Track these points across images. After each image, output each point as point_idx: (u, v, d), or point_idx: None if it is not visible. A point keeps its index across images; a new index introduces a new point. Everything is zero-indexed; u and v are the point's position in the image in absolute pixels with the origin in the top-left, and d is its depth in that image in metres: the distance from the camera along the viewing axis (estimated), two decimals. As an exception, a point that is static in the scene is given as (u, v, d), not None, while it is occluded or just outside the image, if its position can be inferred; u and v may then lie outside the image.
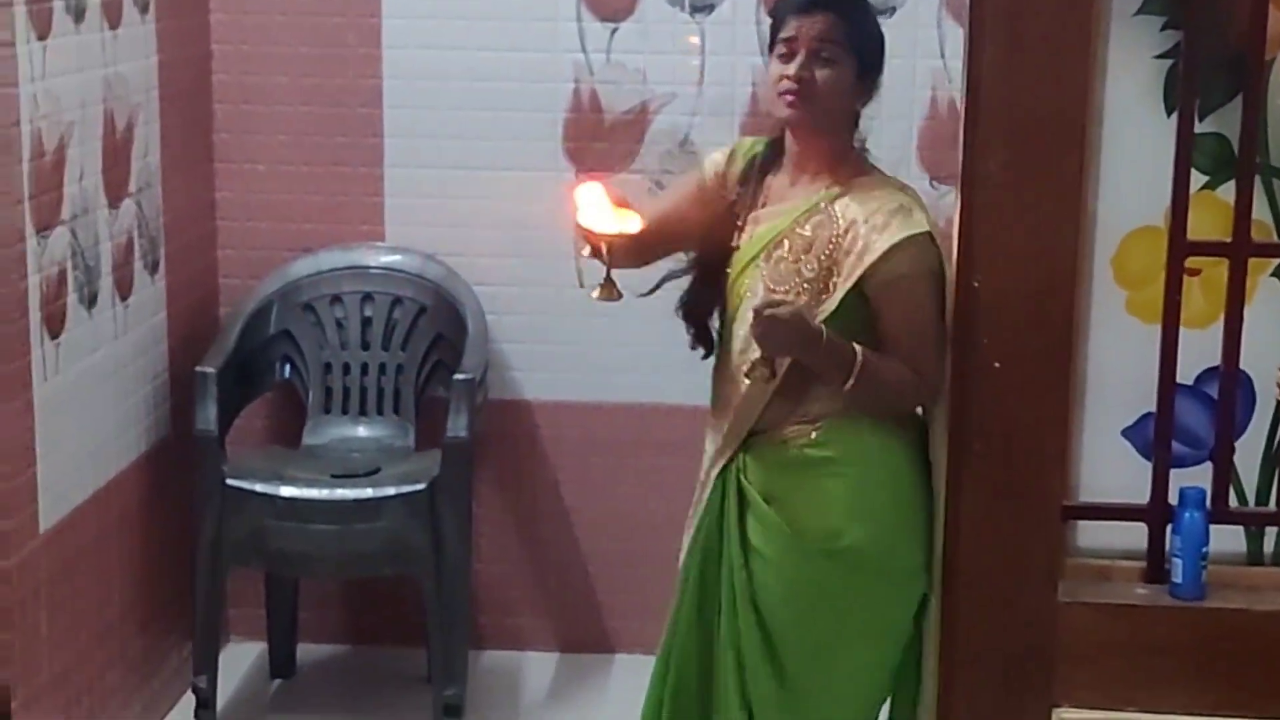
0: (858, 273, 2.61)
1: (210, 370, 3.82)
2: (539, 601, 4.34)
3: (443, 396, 3.94)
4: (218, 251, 4.21)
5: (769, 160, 2.89)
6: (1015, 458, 1.92)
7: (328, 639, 4.33)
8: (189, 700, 3.86)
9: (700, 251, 2.94)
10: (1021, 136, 1.88)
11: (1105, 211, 1.94)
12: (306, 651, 4.26)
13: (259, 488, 3.72)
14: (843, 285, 2.63)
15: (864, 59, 2.78)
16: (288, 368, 4.12)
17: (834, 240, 2.68)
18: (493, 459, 4.26)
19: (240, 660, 4.21)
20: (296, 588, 4.17)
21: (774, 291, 2.72)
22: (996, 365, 1.90)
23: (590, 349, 4.22)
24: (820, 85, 2.71)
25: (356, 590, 4.30)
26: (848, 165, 2.79)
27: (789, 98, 2.73)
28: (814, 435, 2.71)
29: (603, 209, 2.60)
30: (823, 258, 2.69)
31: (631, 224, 2.60)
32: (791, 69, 2.72)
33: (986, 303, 1.89)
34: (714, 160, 2.97)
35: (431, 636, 3.80)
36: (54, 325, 3.33)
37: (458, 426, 3.77)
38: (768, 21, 2.91)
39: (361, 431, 4.11)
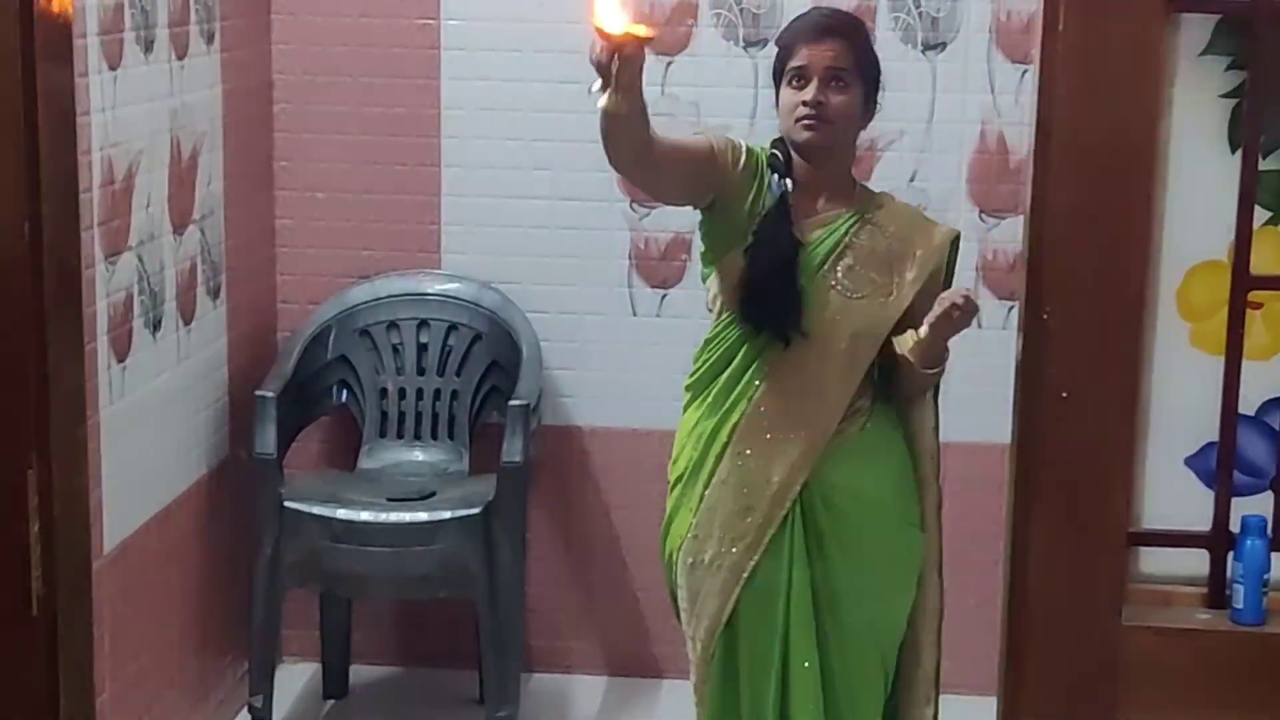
0: (930, 267, 2.81)
1: (269, 394, 3.89)
2: (588, 625, 4.38)
3: (497, 422, 3.99)
4: (277, 277, 4.28)
5: (778, 174, 2.95)
6: (1081, 486, 1.97)
7: (381, 660, 4.38)
8: (245, 719, 3.91)
9: (702, 206, 3.02)
10: (1090, 172, 1.93)
11: (1170, 246, 1.99)
12: (359, 672, 4.31)
13: (316, 510, 3.78)
14: (912, 283, 2.82)
15: (868, 83, 2.95)
16: (344, 392, 4.18)
17: (889, 247, 2.89)
18: (545, 484, 4.31)
19: (294, 680, 4.26)
20: (350, 609, 4.22)
21: (851, 297, 2.83)
22: (1064, 395, 1.95)
23: (642, 376, 4.27)
24: (835, 109, 2.88)
25: (410, 612, 4.35)
26: (855, 182, 3.02)
27: (807, 122, 2.89)
28: (866, 425, 2.92)
29: (619, 14, 2.62)
30: (883, 263, 2.88)
31: (644, 31, 2.61)
32: (808, 95, 2.88)
33: (1055, 334, 1.94)
34: (728, 139, 3.02)
35: (485, 658, 3.85)
36: (120, 348, 3.40)
37: (513, 451, 3.82)
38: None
39: (417, 456, 4.17)
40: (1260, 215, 2.02)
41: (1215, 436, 2.02)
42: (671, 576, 3.17)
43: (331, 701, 4.21)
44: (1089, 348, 1.95)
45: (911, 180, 4.18)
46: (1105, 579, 1.99)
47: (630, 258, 4.25)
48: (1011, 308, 4.12)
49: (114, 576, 3.40)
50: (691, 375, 3.13)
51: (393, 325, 4.20)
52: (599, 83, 2.72)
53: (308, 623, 4.24)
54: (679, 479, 3.14)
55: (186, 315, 3.75)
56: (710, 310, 3.14)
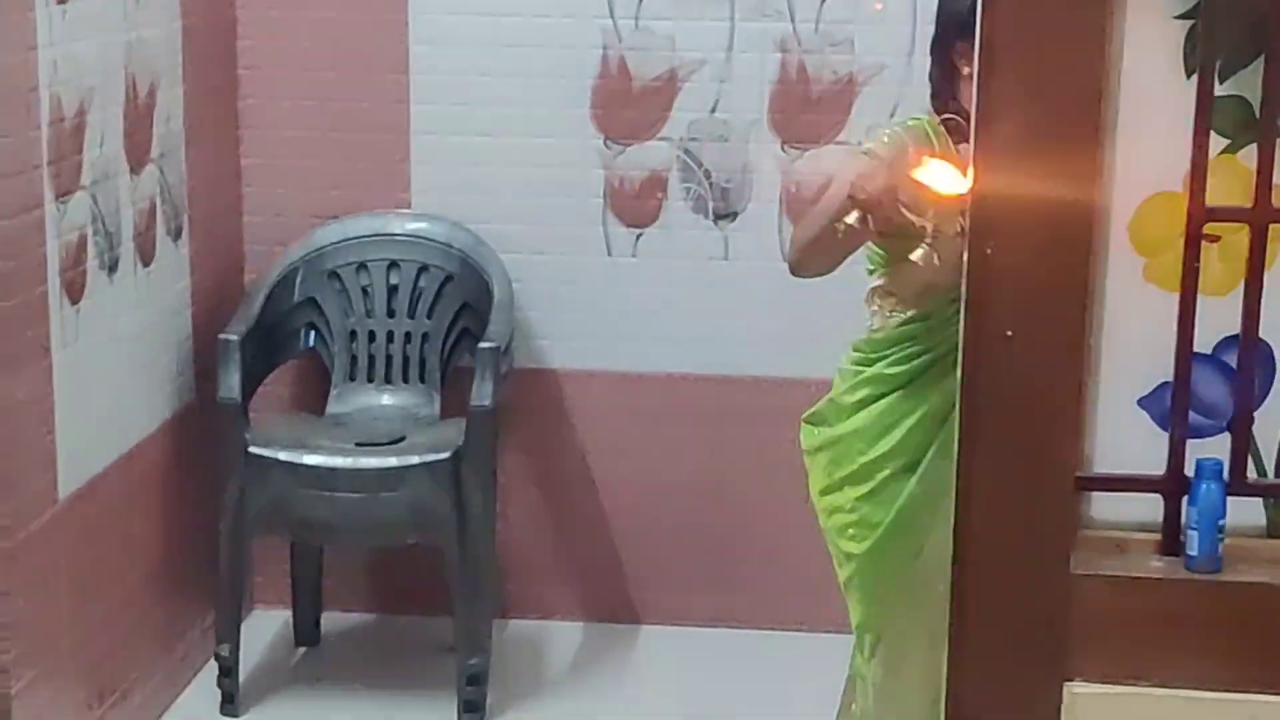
0: None
1: (233, 337, 3.80)
2: (565, 571, 4.31)
3: (468, 365, 3.91)
4: (243, 218, 4.19)
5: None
6: (1027, 428, 1.87)
7: (354, 607, 4.31)
8: (212, 669, 3.85)
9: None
10: (1036, 100, 1.83)
11: (1122, 177, 1.88)
12: (331, 620, 4.24)
13: (282, 455, 3.71)
14: None
15: None
16: (312, 335, 4.10)
17: None
18: (519, 428, 4.23)
19: (265, 628, 4.20)
20: (321, 556, 4.16)
21: None
22: (1009, 334, 1.85)
23: (617, 318, 4.19)
24: None
25: (382, 559, 4.29)
26: None
27: None
28: None
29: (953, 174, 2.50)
30: None
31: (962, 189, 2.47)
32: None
33: (999, 270, 1.84)
34: (877, 161, 2.84)
35: (455, 606, 3.78)
36: (74, 291, 3.32)
37: (482, 395, 3.74)
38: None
39: (386, 400, 4.09)
40: (1216, 143, 1.92)
41: (1169, 376, 1.92)
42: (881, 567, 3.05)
43: (303, 649, 4.15)
44: (1035, 284, 1.85)
45: (713, 111, 4.07)
46: (1054, 525, 1.89)
47: (605, 196, 4.15)
48: None
49: (72, 522, 3.33)
50: (885, 365, 3.05)
51: (362, 267, 4.12)
52: (857, 214, 2.71)
53: (279, 570, 4.18)
54: (883, 470, 3.02)
55: (146, 257, 3.66)
56: (875, 306, 3.07)
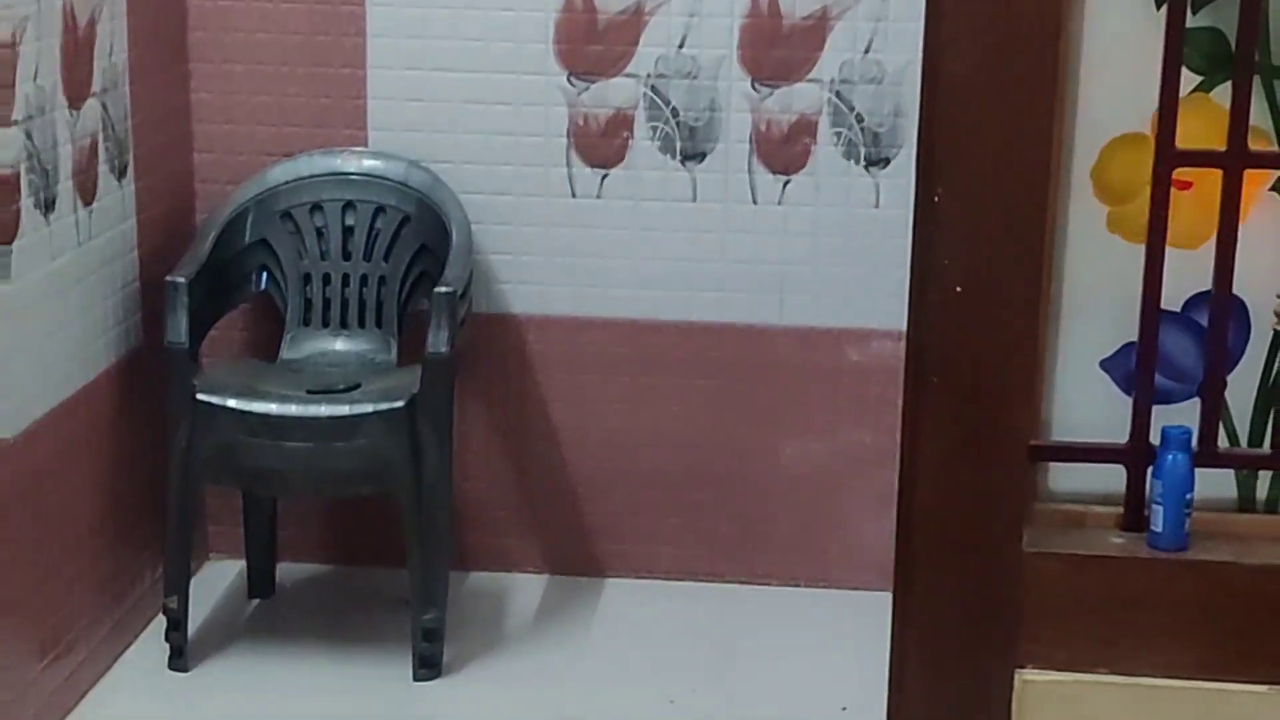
0: None
1: (181, 280, 3.66)
2: (526, 522, 4.19)
3: (427, 310, 3.77)
4: (194, 155, 4.04)
5: None
6: (978, 392, 1.72)
7: (310, 558, 4.20)
8: (162, 622, 3.73)
9: None
10: (991, 34, 1.68)
11: (1085, 117, 1.72)
12: (287, 571, 4.13)
13: (230, 403, 3.57)
14: None
15: None
16: (265, 278, 3.96)
17: None
18: (480, 375, 4.11)
19: (219, 579, 4.09)
20: (275, 506, 4.04)
21: None
22: (959, 290, 1.71)
23: (581, 262, 4.05)
24: None
25: (339, 509, 4.17)
26: None
27: None
28: None
29: None
30: None
31: None
32: None
33: (949, 219, 1.69)
34: None
35: (411, 558, 3.66)
36: (6, 230, 3.18)
37: (438, 342, 3.61)
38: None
39: (341, 345, 3.95)
40: (1188, 80, 1.77)
41: (1134, 336, 1.77)
42: None
43: (257, 601, 4.03)
44: (988, 234, 1.70)
45: (680, 47, 3.92)
46: (1006, 498, 1.75)
47: (569, 135, 4.01)
48: (787, 182, 3.91)
49: (12, 470, 3.21)
50: None
51: (316, 207, 3.97)
52: None
53: (234, 519, 4.06)
54: None
55: (87, 196, 3.52)
56: None
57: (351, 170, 3.99)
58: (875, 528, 4.02)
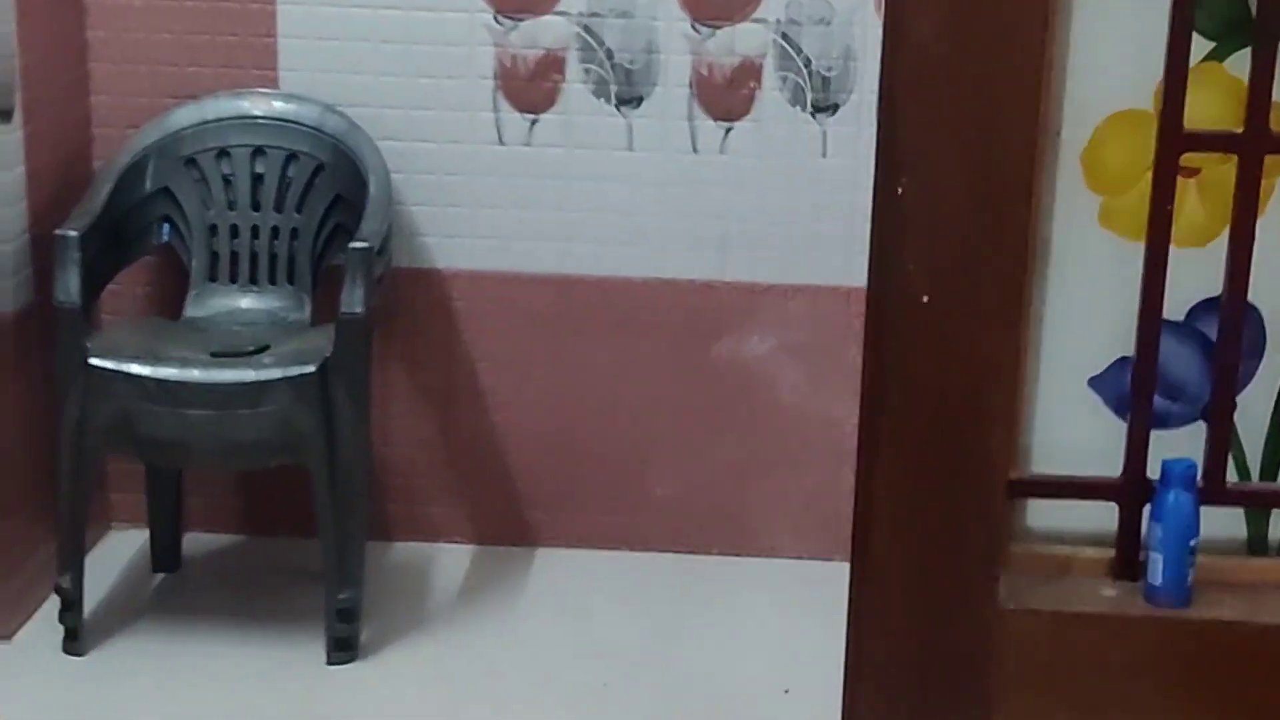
0: None
1: (71, 234, 3.38)
2: (452, 489, 3.94)
3: (343, 265, 3.50)
4: (90, 98, 3.74)
5: None
6: (948, 417, 1.43)
7: (218, 528, 3.94)
8: (57, 600, 3.47)
9: None
10: (964, -12, 1.41)
11: (1076, 90, 1.42)
12: (195, 542, 3.87)
13: (126, 367, 3.30)
14: None
15: None
16: (167, 230, 3.68)
17: None
18: (402, 334, 3.85)
19: (121, 551, 3.82)
20: (181, 474, 3.77)
21: None
22: (925, 299, 1.43)
23: (510, 213, 3.79)
24: None
25: (250, 475, 3.90)
26: None
27: None
28: None
29: None
30: None
31: None
32: None
33: (915, 214, 1.40)
34: None
35: (323, 535, 3.41)
36: None
37: (352, 302, 3.35)
38: None
39: (251, 303, 3.68)
40: (1199, 47, 1.47)
41: (1130, 350, 1.47)
42: None
43: (161, 576, 3.77)
44: (960, 231, 1.41)
45: None
46: (979, 541, 1.45)
47: (495, 78, 3.73)
48: (729, 129, 3.68)
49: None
50: None
51: (223, 153, 3.69)
52: None
53: (137, 486, 3.79)
54: None
55: (-34, 142, 3.23)
56: None
57: (261, 114, 3.71)
58: (823, 494, 3.80)
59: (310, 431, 3.34)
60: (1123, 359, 1.51)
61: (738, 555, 3.92)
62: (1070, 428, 1.54)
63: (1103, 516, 1.57)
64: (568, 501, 3.93)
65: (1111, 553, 1.55)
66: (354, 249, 3.38)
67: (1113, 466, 1.54)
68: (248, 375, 3.33)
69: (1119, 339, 1.50)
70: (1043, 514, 1.55)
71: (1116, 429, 1.53)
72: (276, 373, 3.32)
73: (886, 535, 1.48)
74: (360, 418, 3.43)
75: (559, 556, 3.93)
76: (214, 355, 3.40)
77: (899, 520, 1.48)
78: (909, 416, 1.46)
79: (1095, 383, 1.53)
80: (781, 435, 3.87)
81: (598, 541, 3.93)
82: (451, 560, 3.90)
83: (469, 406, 3.90)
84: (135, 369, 3.30)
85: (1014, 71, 1.40)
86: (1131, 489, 1.53)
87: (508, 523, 3.95)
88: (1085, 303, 1.49)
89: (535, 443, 3.91)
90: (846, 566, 3.81)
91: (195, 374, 3.32)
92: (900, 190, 1.39)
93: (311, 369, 3.32)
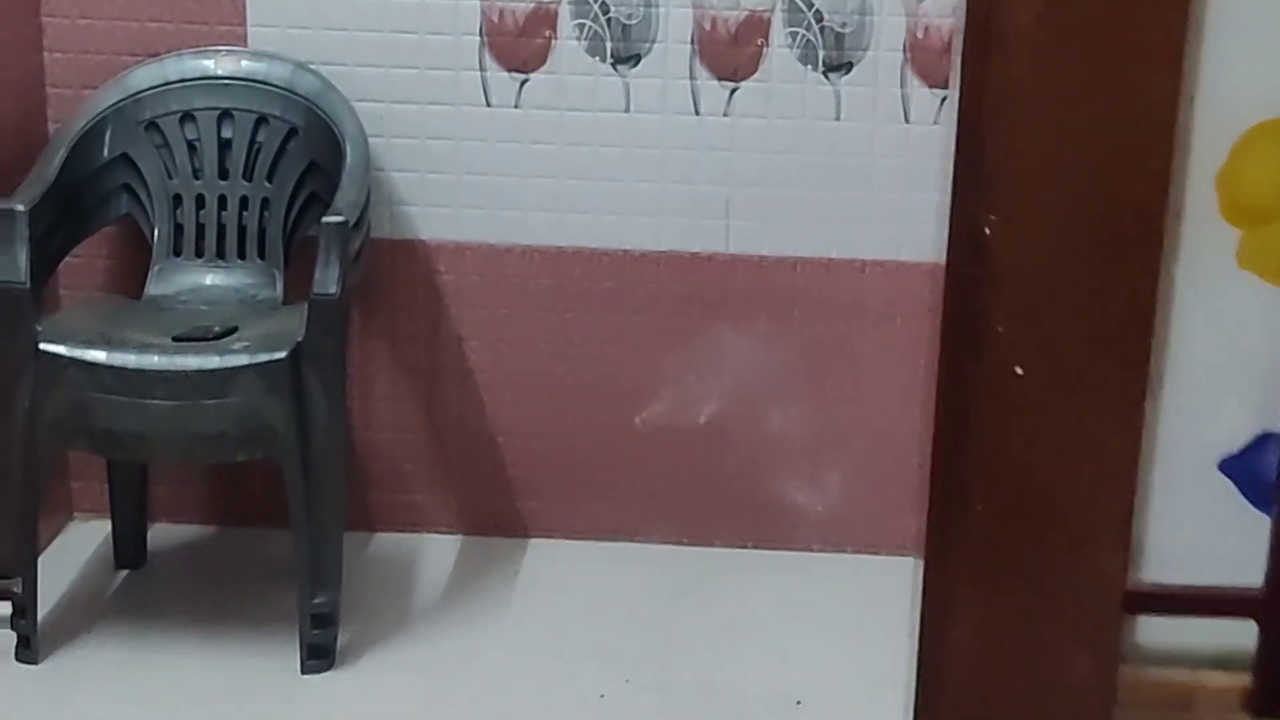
0: None
1: (19, 208, 3.10)
2: (438, 476, 3.68)
3: (317, 236, 3.22)
4: (43, 55, 3.45)
5: None
6: (1047, 515, 1.13)
7: (186, 518, 3.68)
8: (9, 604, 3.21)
9: None
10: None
11: (1210, 100, 1.11)
12: (161, 534, 3.61)
13: (79, 354, 3.03)
14: None
15: None
16: (126, 200, 3.40)
17: None
18: (384, 310, 3.57)
19: (83, 544, 3.57)
20: (145, 463, 3.50)
21: None
22: (1019, 371, 1.13)
23: (498, 180, 3.51)
24: None
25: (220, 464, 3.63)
26: None
27: None
28: None
29: None
30: None
31: None
32: None
33: (1005, 263, 1.09)
34: None
35: (297, 535, 3.14)
36: None
37: (326, 281, 3.07)
38: None
39: (218, 280, 3.41)
40: None
41: (1275, 424, 1.18)
42: None
43: (125, 573, 3.51)
44: (1064, 283, 1.09)
45: None
46: (1085, 671, 1.16)
47: (481, 34, 3.44)
48: (734, 89, 3.40)
49: None
50: None
51: (187, 117, 3.40)
52: None
53: (100, 474, 3.53)
54: None
55: (-98, 108, 2.95)
56: None
57: (227, 74, 3.42)
58: (839, 480, 3.55)
59: (281, 424, 3.07)
60: (1264, 435, 1.21)
61: (745, 548, 3.66)
62: (1197, 524, 1.24)
63: (1237, 634, 1.27)
64: (562, 489, 3.67)
65: (1247, 680, 1.25)
66: (328, 223, 3.10)
67: (1251, 573, 1.24)
68: (212, 361, 3.05)
69: (1260, 410, 1.20)
70: (1160, 630, 1.26)
71: (1256, 525, 1.23)
72: (243, 359, 3.05)
73: (961, 666, 1.19)
74: (336, 408, 3.16)
75: (552, 548, 3.67)
76: (176, 340, 3.12)
77: (979, 649, 1.19)
78: (995, 516, 1.16)
79: (1229, 465, 1.23)
80: (793, 423, 3.60)
81: (595, 532, 3.68)
82: (437, 552, 3.64)
83: (455, 387, 3.63)
84: (90, 355, 3.03)
85: (1133, 73, 1.07)
86: (1275, 603, 1.23)
87: (498, 512, 3.69)
88: (1218, 364, 1.18)
89: (527, 426, 3.64)
90: (862, 557, 3.61)
91: (155, 360, 3.04)
92: (987, 230, 1.08)
93: (282, 355, 3.05)
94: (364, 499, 3.65)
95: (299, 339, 3.07)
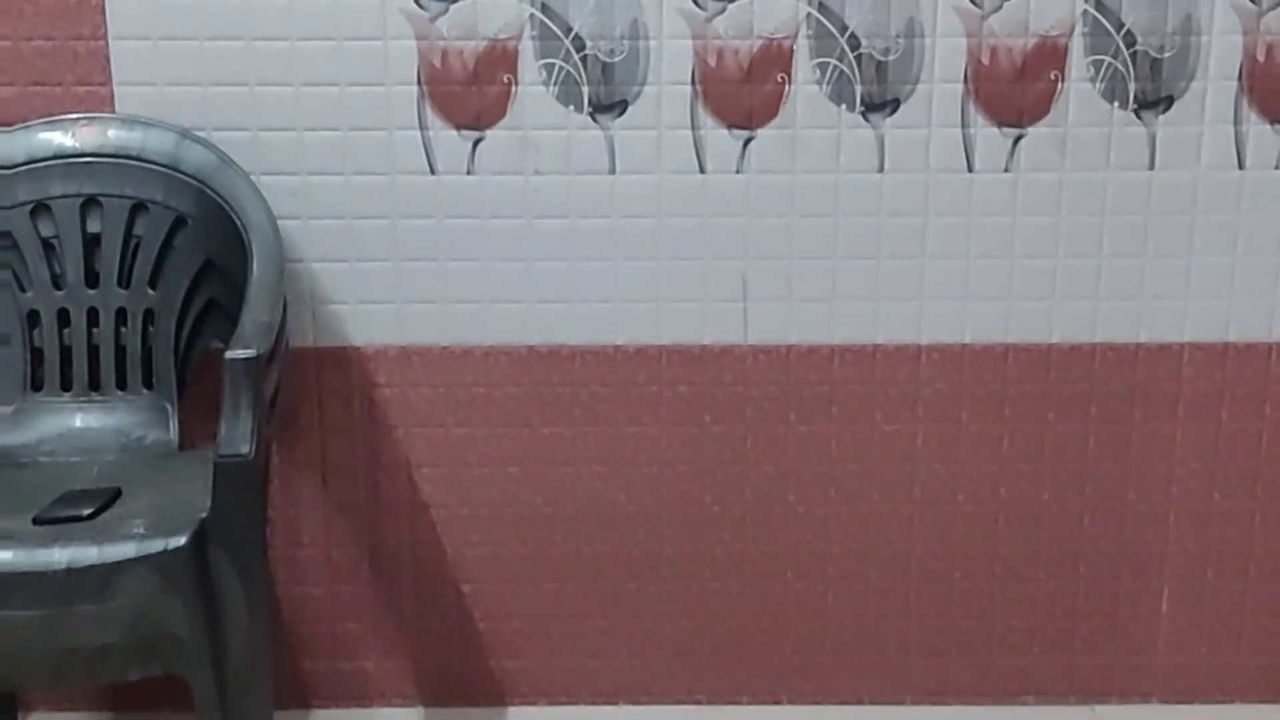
0: None
1: None
2: (391, 637, 2.94)
3: (220, 349, 2.47)
4: None
5: None
6: None
7: (69, 705, 2.92)
8: None
9: None
10: None
11: None
12: (41, 733, 2.87)
13: (-96, 554, 2.26)
14: None
15: None
16: (-35, 327, 2.63)
17: None
18: (312, 435, 2.82)
19: (-60, 752, 2.81)
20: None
21: None
22: None
23: (450, 267, 2.77)
24: None
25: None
26: None
27: None
28: None
29: None
30: None
31: None
32: None
33: None
34: None
35: (212, 765, 2.39)
36: None
37: (235, 439, 2.31)
38: None
39: (92, 422, 2.64)
40: None
41: None
42: None
43: (-8, 795, 2.76)
44: None
45: None
46: None
47: (420, 82, 2.68)
48: (749, 139, 2.71)
49: None
50: None
51: (40, 208, 2.63)
52: None
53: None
54: None
55: None
56: None
57: (90, 149, 2.65)
58: (882, 624, 2.86)
59: (185, 630, 2.31)
60: None
61: (771, 704, 2.96)
62: None
63: None
64: (542, 645, 2.94)
65: None
66: (233, 361, 2.34)
67: None
68: (89, 555, 2.28)
69: None
70: None
71: None
72: (131, 549, 2.29)
73: None
74: (256, 601, 2.39)
75: (532, 715, 2.96)
76: (37, 522, 2.36)
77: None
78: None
79: None
80: (826, 546, 2.89)
81: (587, 695, 2.96)
82: (393, 731, 2.92)
83: (406, 526, 2.88)
84: (-82, 555, 2.26)
85: None
86: None
87: (466, 676, 2.96)
88: None
89: (497, 569, 2.91)
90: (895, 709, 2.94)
91: (10, 558, 2.27)
92: None
93: (182, 541, 2.29)
94: (296, 670, 2.91)
95: (202, 515, 2.31)
